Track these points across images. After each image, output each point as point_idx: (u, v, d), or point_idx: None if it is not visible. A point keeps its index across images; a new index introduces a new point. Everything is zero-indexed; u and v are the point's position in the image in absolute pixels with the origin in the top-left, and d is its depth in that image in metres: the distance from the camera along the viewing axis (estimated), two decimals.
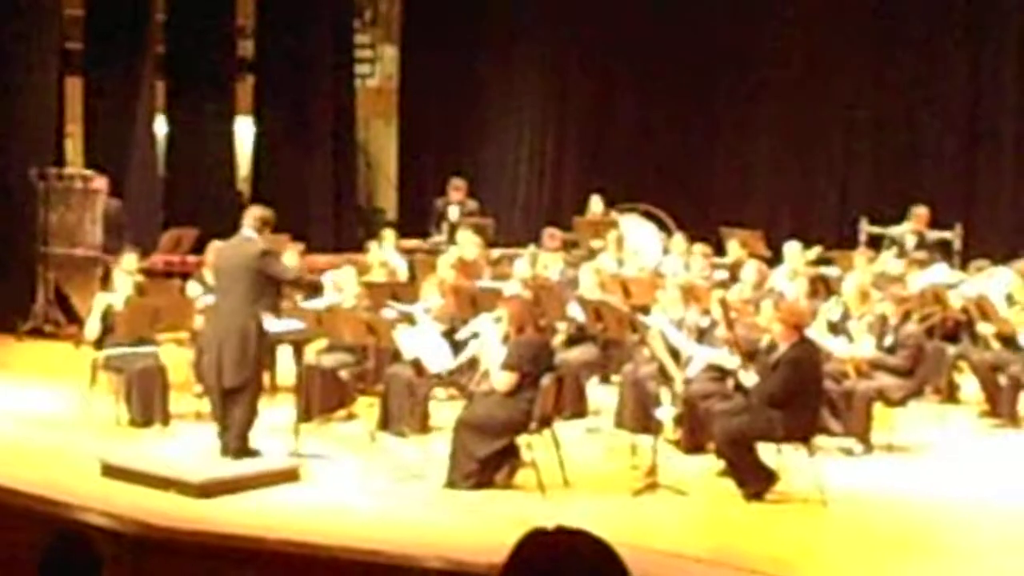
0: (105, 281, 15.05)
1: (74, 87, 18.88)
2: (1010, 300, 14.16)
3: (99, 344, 13.26)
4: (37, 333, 17.07)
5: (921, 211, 17.54)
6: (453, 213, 19.33)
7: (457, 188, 19.74)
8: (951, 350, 14.46)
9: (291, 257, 15.17)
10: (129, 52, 18.86)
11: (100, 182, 17.57)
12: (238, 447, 11.27)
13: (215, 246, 12.41)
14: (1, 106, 17.78)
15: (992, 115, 19.44)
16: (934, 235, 17.39)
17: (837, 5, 20.28)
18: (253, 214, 11.64)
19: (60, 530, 5.96)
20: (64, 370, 14.55)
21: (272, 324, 12.35)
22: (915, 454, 12.66)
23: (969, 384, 14.51)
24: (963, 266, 16.50)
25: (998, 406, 13.70)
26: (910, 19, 19.86)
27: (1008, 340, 13.76)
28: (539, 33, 22.60)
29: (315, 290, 12.71)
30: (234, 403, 11.30)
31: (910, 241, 17.24)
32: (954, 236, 17.60)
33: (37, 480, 10.18)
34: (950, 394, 14.53)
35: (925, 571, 9.34)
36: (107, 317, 13.26)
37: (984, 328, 14.09)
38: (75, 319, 16.36)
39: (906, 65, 19.94)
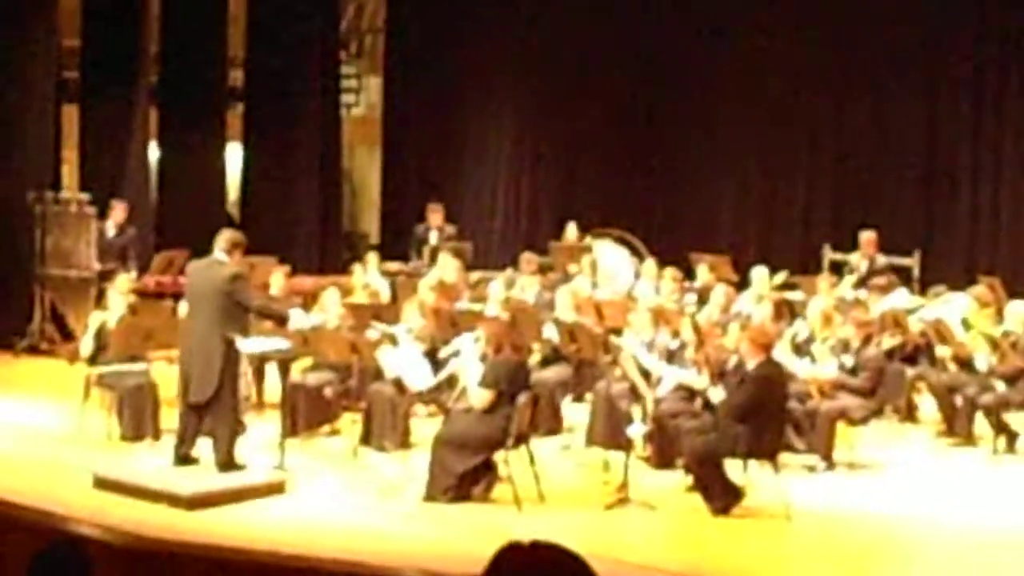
0: (99, 301, 15.03)
1: (70, 114, 18.89)
2: (966, 324, 14.21)
3: (93, 361, 13.26)
4: (33, 350, 17.07)
5: (869, 236, 17.56)
6: (433, 237, 19.38)
7: (435, 212, 19.79)
8: (910, 372, 14.48)
9: (277, 279, 15.18)
10: (123, 81, 18.85)
11: (120, 208, 17.63)
12: (224, 460, 11.28)
13: (190, 265, 12.39)
14: (1, 133, 17.82)
15: (948, 146, 19.48)
16: (883, 260, 17.40)
17: (800, 46, 20.31)
18: (224, 236, 11.66)
19: (51, 540, 5.93)
20: (59, 386, 14.53)
21: (258, 344, 12.37)
22: (875, 471, 12.69)
23: (927, 404, 14.57)
24: (922, 292, 16.55)
25: (954, 426, 13.74)
26: (868, 57, 19.90)
27: (964, 363, 13.81)
28: (517, 63, 22.62)
29: (281, 322, 12.51)
30: (212, 419, 11.33)
31: (863, 266, 17.29)
32: (913, 263, 17.67)
33: (31, 492, 10.15)
34: (909, 414, 14.55)
35: None
36: (101, 335, 13.26)
37: (942, 351, 14.15)
38: (70, 337, 16.36)
39: (865, 98, 19.98)
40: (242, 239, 11.85)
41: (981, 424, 13.43)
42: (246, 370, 13.39)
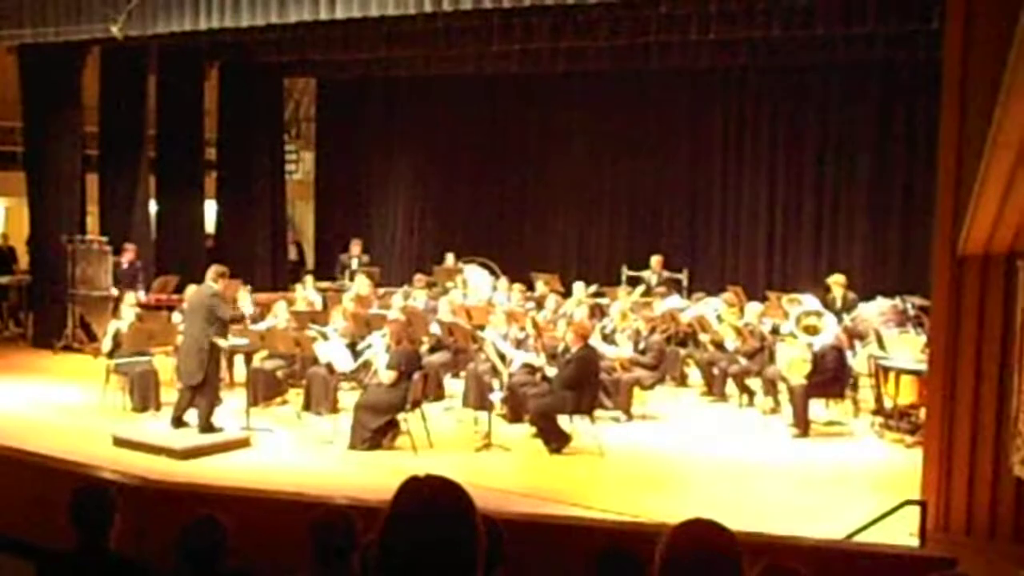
0: (115, 312, 14.77)
1: (92, 180, 18.51)
2: (719, 319, 14.43)
3: (111, 355, 13.09)
4: (68, 348, 16.74)
5: (656, 259, 17.76)
6: (354, 264, 19.32)
7: (356, 244, 19.82)
8: (682, 351, 14.68)
9: (244, 295, 15.02)
10: (130, 157, 18.48)
11: (130, 250, 17.43)
12: (204, 426, 11.19)
13: (189, 288, 12.33)
14: (44, 194, 17.52)
15: (706, 198, 19.77)
16: (667, 275, 17.61)
17: (602, 127, 20.48)
18: (213, 269, 11.66)
19: (84, 483, 5.82)
20: (86, 374, 14.26)
21: (230, 341, 12.23)
22: (660, 421, 12.85)
23: (694, 374, 14.75)
24: (689, 296, 16.75)
25: (713, 388, 13.96)
26: (650, 134, 20.14)
27: (719, 345, 14.02)
28: (409, 144, 22.64)
29: (240, 319, 12.59)
30: (199, 396, 11.23)
31: (654, 280, 17.48)
32: (683, 277, 17.87)
33: (69, 449, 9.94)
34: (682, 381, 14.76)
35: (667, 501, 9.44)
36: (117, 337, 13.10)
37: (703, 337, 14.35)
38: (94, 339, 16.08)
39: (649, 163, 20.18)
40: (225, 270, 11.82)
41: (731, 387, 13.66)
42: (221, 359, 13.31)
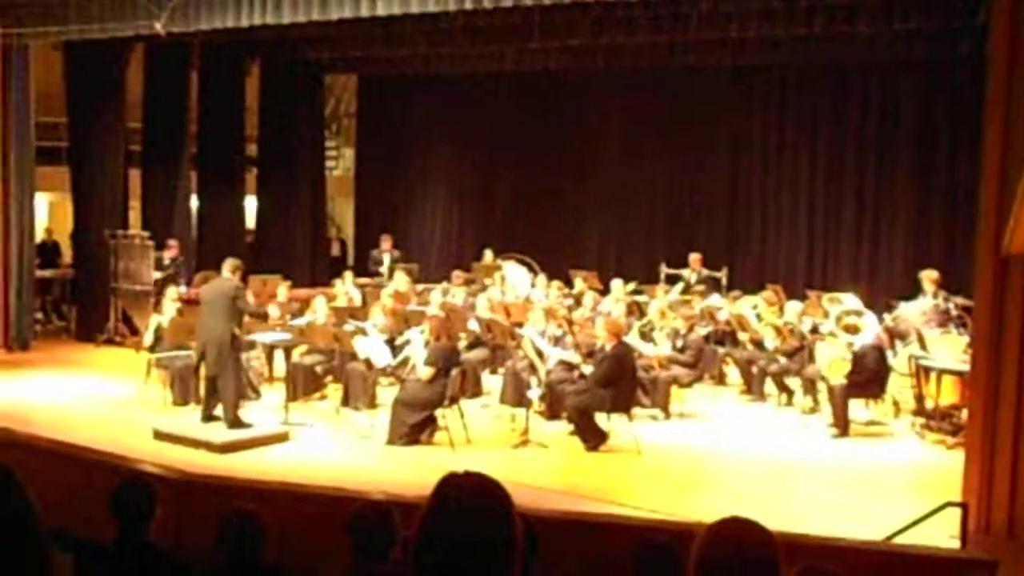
0: (157, 307, 14.87)
1: (135, 176, 18.66)
2: (759, 318, 14.35)
3: (152, 349, 13.19)
4: (110, 342, 16.89)
5: (695, 256, 17.66)
6: (386, 260, 19.35)
7: (386, 240, 19.77)
8: (721, 350, 14.61)
9: (282, 290, 15.10)
10: (172, 152, 18.65)
11: (174, 246, 17.68)
12: (231, 419, 11.19)
13: (206, 284, 12.33)
14: (87, 189, 17.69)
15: (745, 196, 19.62)
16: (705, 272, 17.52)
17: (638, 129, 20.39)
18: (229, 263, 11.67)
19: (125, 476, 5.86)
20: (128, 368, 14.36)
21: (269, 336, 12.29)
22: (698, 420, 12.79)
23: (733, 373, 14.68)
24: (728, 294, 16.64)
25: (751, 388, 13.88)
26: (688, 135, 19.99)
27: (758, 343, 13.94)
28: (448, 137, 22.63)
29: (265, 317, 12.54)
30: (222, 389, 11.24)
31: (693, 278, 17.39)
32: (723, 275, 17.77)
33: (110, 442, 10.01)
34: (720, 379, 14.69)
35: (705, 499, 9.40)
36: (158, 331, 13.20)
37: (742, 335, 14.27)
38: (136, 333, 16.19)
39: (688, 163, 20.09)
40: (241, 264, 11.89)
41: (770, 386, 13.58)
42: (260, 354, 13.38)
